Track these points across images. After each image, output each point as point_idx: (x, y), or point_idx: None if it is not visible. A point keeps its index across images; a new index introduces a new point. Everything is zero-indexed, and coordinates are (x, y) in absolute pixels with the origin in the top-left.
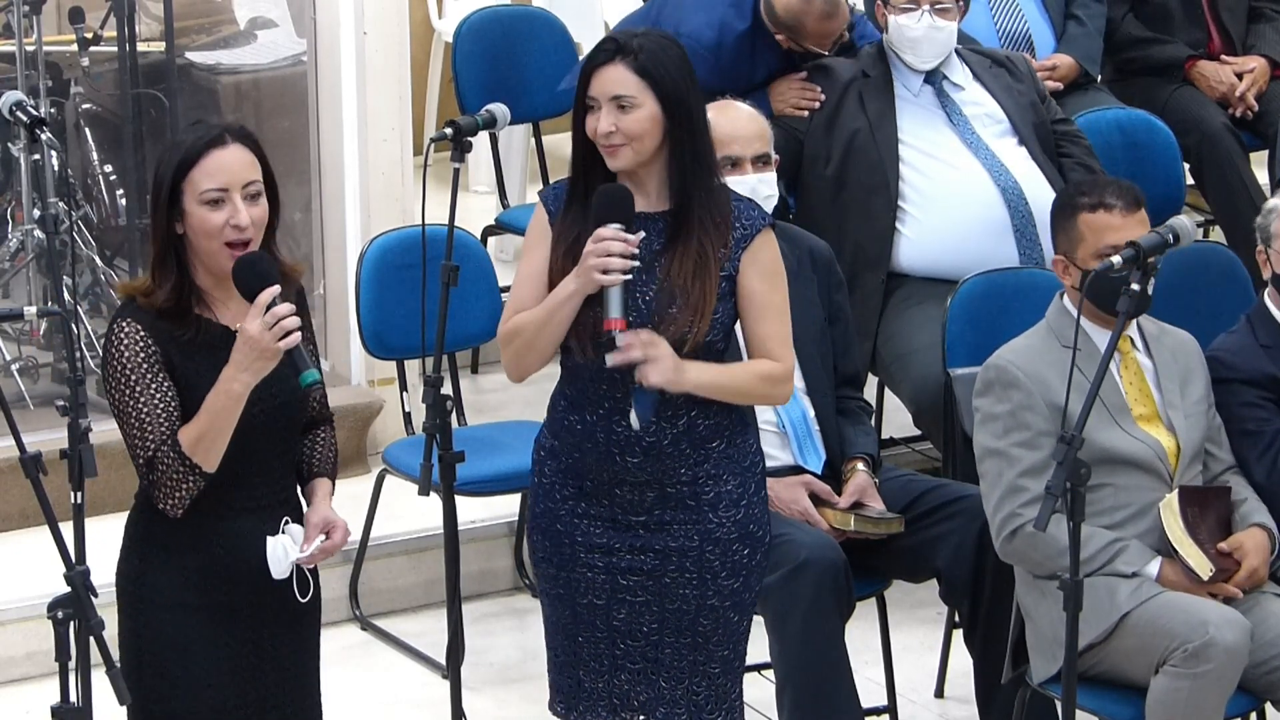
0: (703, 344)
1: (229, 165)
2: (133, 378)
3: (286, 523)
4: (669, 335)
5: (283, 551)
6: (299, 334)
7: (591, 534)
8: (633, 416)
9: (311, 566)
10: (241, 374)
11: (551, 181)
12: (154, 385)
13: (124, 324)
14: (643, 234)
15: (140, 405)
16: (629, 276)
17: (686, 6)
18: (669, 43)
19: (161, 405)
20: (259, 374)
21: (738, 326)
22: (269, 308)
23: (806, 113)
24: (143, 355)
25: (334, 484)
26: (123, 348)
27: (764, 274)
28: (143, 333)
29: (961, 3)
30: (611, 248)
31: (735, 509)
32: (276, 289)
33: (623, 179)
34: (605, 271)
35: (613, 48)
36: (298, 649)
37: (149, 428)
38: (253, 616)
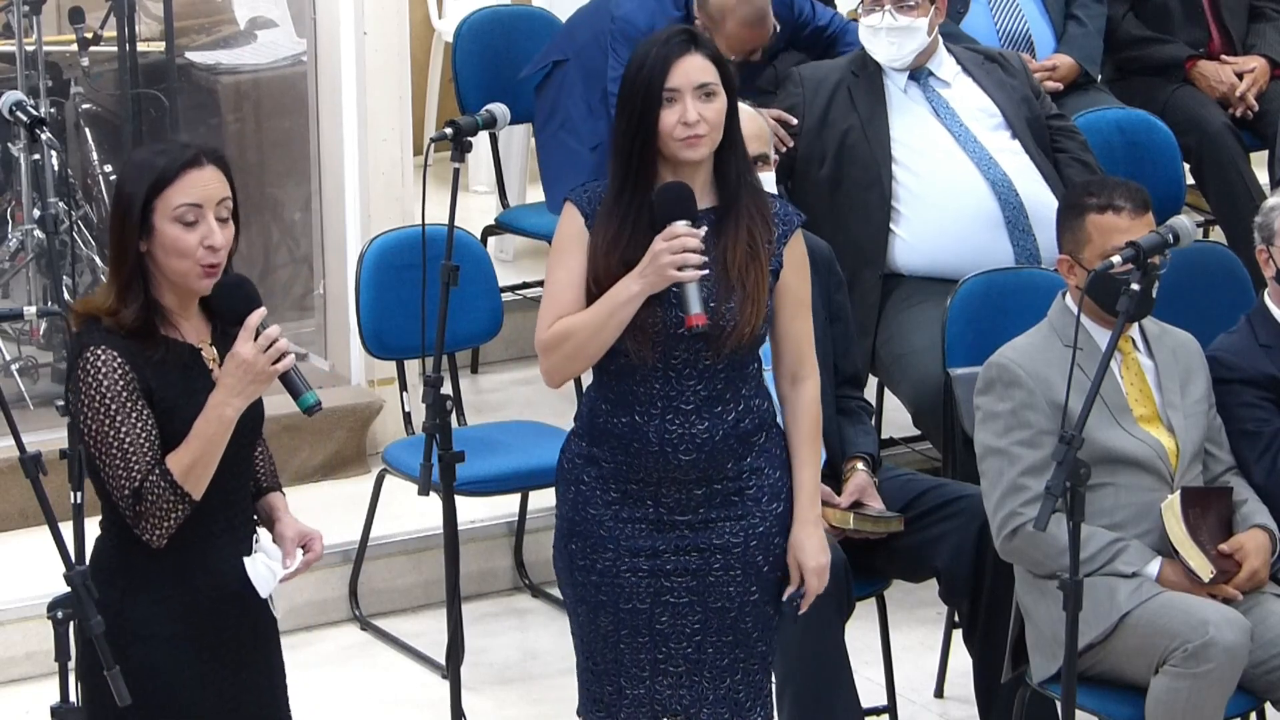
0: (758, 335)
1: (205, 185)
2: (112, 406)
3: (257, 540)
4: (729, 327)
5: (265, 569)
6: (293, 355)
7: (635, 538)
8: (798, 609)
9: None
10: (234, 398)
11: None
12: (134, 414)
13: (99, 351)
14: (705, 229)
15: (123, 435)
16: (706, 272)
17: None
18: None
19: (143, 434)
20: (251, 398)
21: None
22: (259, 330)
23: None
24: (121, 383)
25: (283, 494)
26: (100, 376)
27: (799, 269)
28: (119, 359)
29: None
30: (688, 244)
31: (777, 502)
32: (264, 311)
33: (667, 178)
34: (681, 268)
35: (686, 38)
36: (268, 667)
37: (133, 458)
38: (233, 639)
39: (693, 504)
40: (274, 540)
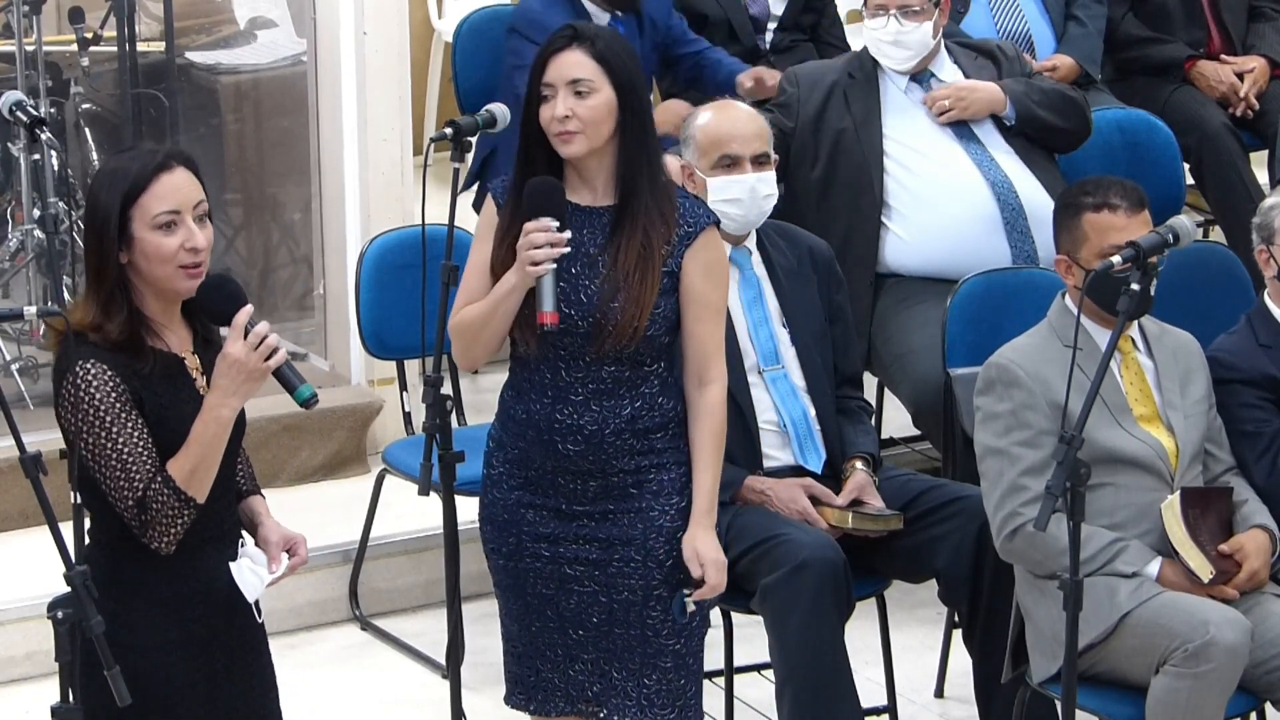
0: (643, 337)
1: (179, 188)
2: (107, 419)
3: (242, 544)
4: (610, 326)
5: (251, 574)
6: (284, 351)
7: (538, 524)
8: (686, 606)
9: None
10: (229, 399)
11: None
12: (130, 424)
13: (89, 365)
14: (569, 234)
15: (121, 446)
16: (550, 268)
17: None
18: (620, 36)
19: (141, 444)
20: (247, 397)
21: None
22: (247, 328)
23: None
24: (114, 395)
25: (264, 498)
26: (93, 390)
27: (706, 272)
28: (109, 372)
29: (934, 4)
30: (536, 239)
31: (678, 496)
32: (250, 309)
33: (569, 172)
34: (534, 265)
35: (570, 34)
36: (259, 671)
37: (133, 468)
38: (223, 645)
39: (589, 495)
40: (258, 545)
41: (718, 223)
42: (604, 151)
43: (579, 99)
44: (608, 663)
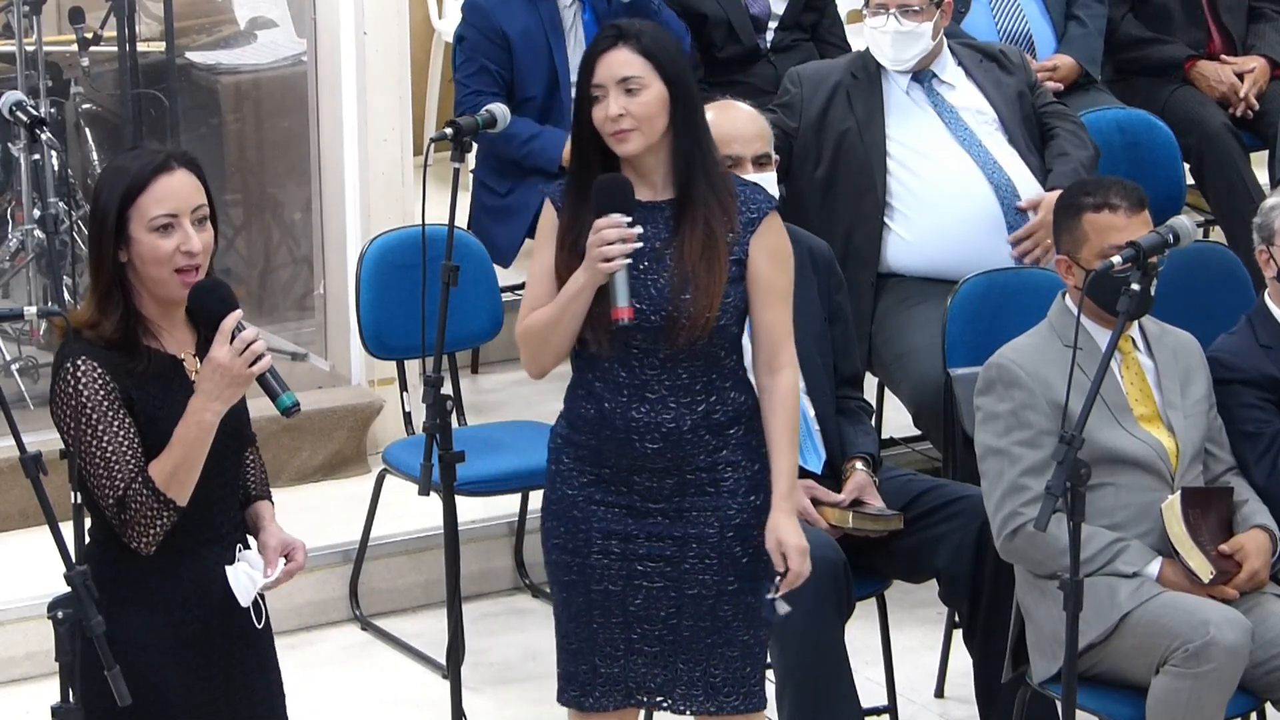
0: (715, 328)
1: (178, 190)
2: (94, 416)
3: (241, 549)
4: (683, 320)
5: (246, 579)
6: (269, 357)
7: (609, 520)
8: (778, 606)
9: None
10: (212, 403)
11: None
12: (116, 423)
13: (79, 362)
14: (640, 229)
15: (105, 444)
16: (629, 261)
17: None
18: (666, 30)
19: (125, 442)
20: (230, 401)
21: None
22: (234, 333)
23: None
24: (102, 393)
25: (272, 503)
26: (80, 386)
27: (771, 257)
28: (99, 370)
29: (935, 4)
30: (608, 235)
31: (754, 494)
32: (239, 313)
33: (626, 170)
34: (606, 261)
35: (615, 33)
36: (263, 674)
37: (116, 467)
38: (223, 648)
39: (665, 492)
40: (257, 549)
41: (779, 207)
42: (659, 146)
43: (630, 97)
44: (673, 654)
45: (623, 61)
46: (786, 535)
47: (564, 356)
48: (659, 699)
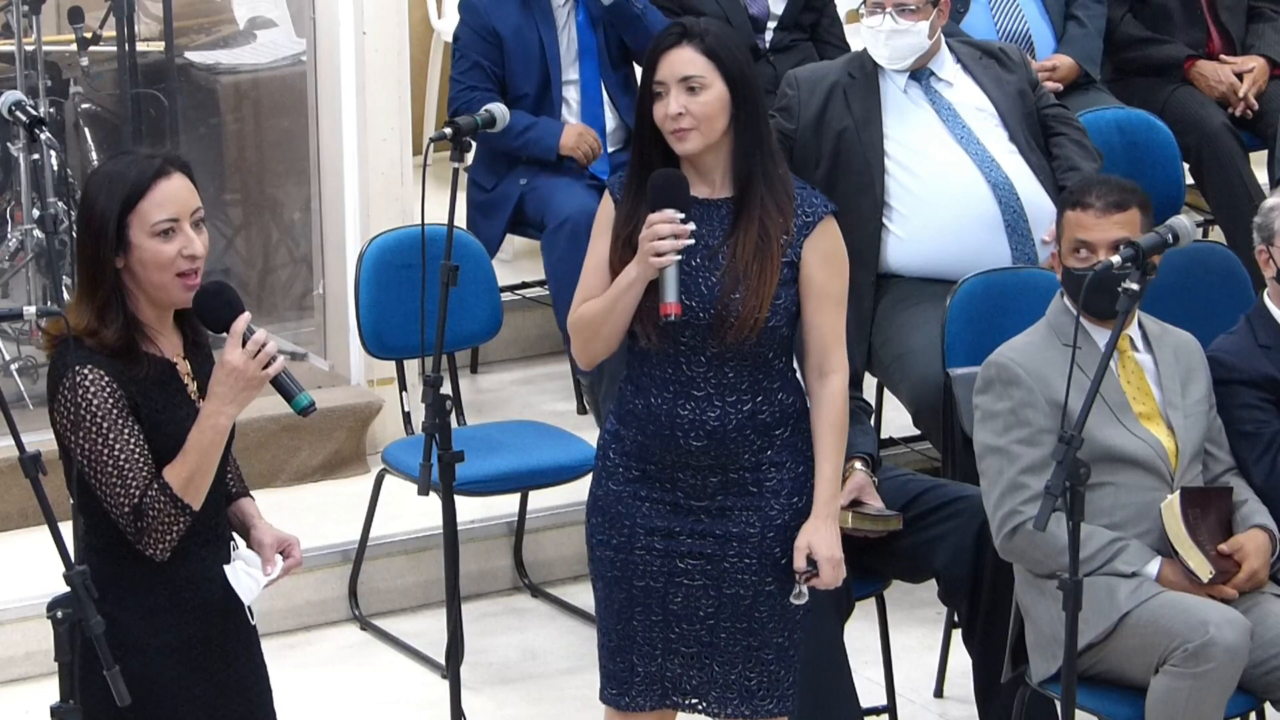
0: (765, 328)
1: (177, 194)
2: (104, 425)
3: (235, 548)
4: (732, 318)
5: (246, 577)
6: (283, 358)
7: (652, 517)
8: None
9: None
10: (227, 406)
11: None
12: (127, 430)
13: (86, 371)
14: (693, 225)
15: (118, 453)
16: (680, 257)
17: None
18: (731, 29)
19: (138, 450)
20: (244, 404)
21: None
22: (246, 335)
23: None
24: (111, 401)
25: (253, 499)
26: (90, 395)
27: (824, 261)
28: (107, 378)
29: (932, 3)
30: (660, 230)
31: (797, 495)
32: (248, 316)
33: (686, 167)
34: (658, 255)
35: (679, 31)
36: (254, 674)
37: (130, 475)
38: (218, 649)
39: (709, 490)
40: (251, 547)
41: (836, 212)
42: (719, 145)
43: (691, 95)
44: (709, 656)
45: (685, 60)
46: (819, 543)
47: (614, 348)
48: (694, 701)
